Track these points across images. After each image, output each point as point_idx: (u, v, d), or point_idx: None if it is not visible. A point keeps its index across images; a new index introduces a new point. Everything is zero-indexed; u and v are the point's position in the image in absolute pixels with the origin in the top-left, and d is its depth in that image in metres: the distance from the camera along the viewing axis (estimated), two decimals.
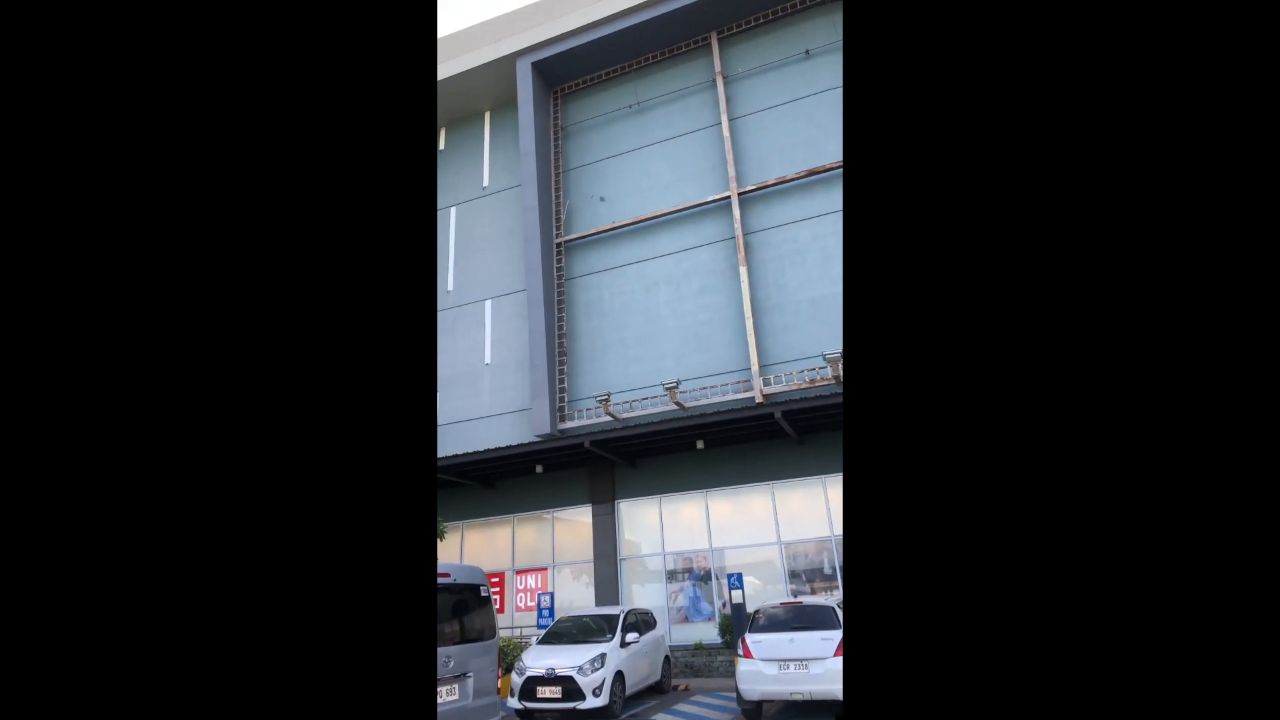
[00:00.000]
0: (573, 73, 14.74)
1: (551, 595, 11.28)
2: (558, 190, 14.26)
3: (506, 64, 14.67)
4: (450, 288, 14.82)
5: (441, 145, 16.17)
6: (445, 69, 14.96)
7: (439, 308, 14.76)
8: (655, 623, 9.27)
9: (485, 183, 15.33)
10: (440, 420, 13.96)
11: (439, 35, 15.78)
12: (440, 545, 9.73)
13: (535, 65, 14.40)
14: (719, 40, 13.76)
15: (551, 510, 12.41)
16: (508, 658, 8.87)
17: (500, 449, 11.56)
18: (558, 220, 14.03)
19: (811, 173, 12.16)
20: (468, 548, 12.74)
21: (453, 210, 15.42)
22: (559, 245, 13.84)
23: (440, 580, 5.01)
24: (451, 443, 13.33)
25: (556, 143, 14.64)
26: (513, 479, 12.77)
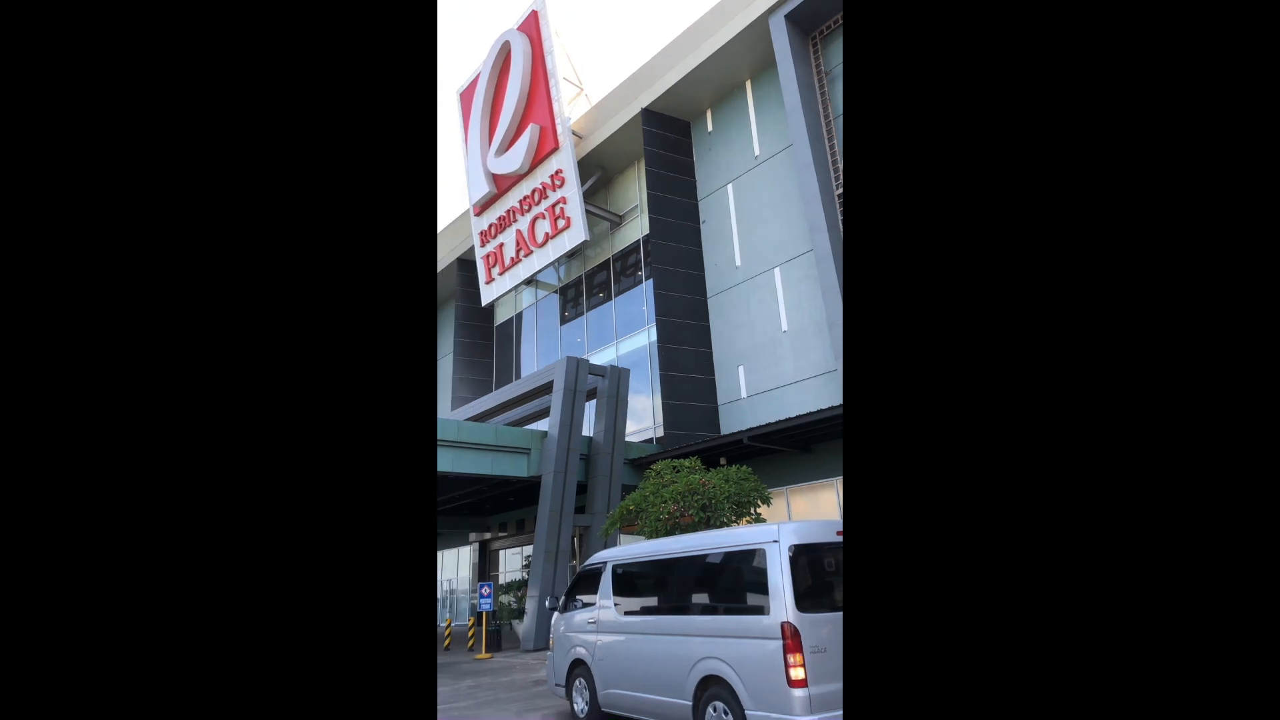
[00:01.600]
0: (829, 10, 13.84)
1: None
2: (830, 140, 13.57)
3: (759, 26, 14.41)
4: (739, 263, 15.19)
5: (709, 128, 16.62)
6: (700, 52, 15.31)
7: (729, 285, 15.26)
8: None
9: (756, 152, 15.32)
10: (747, 392, 14.46)
11: (687, 25, 16.14)
12: (765, 510, 10.08)
13: (788, 17, 13.87)
14: None
15: None
16: None
17: (809, 414, 11.51)
18: (835, 171, 13.36)
19: None
20: (794, 512, 13.00)
21: (729, 187, 15.76)
22: (840, 196, 13.19)
23: (841, 539, 4.83)
24: (762, 413, 13.71)
25: (822, 91, 13.93)
26: (828, 442, 12.62)
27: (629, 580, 5.78)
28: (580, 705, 5.96)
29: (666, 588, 5.28)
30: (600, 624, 5.81)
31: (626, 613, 5.62)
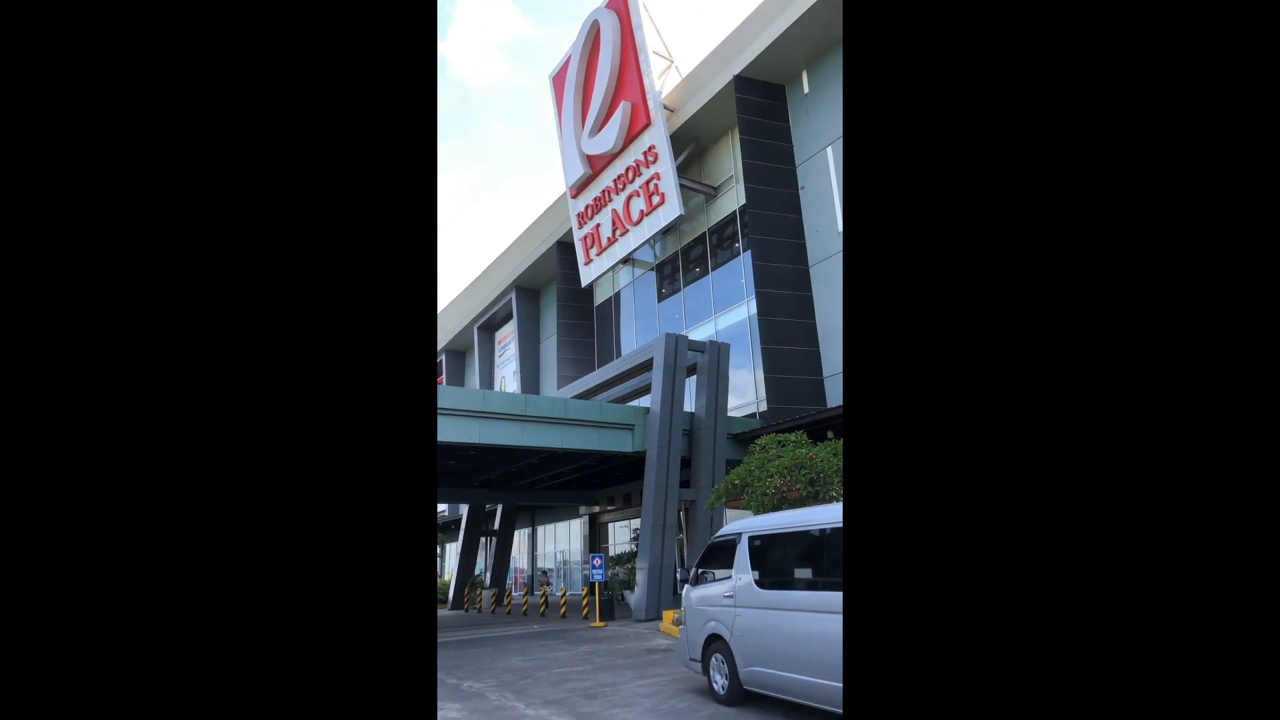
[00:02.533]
0: None
1: None
2: None
3: None
4: (841, 229, 14.65)
5: (805, 89, 15.99)
6: (794, 9, 14.68)
7: (832, 252, 14.76)
8: None
9: None
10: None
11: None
12: None
13: None
14: None
15: None
16: None
17: None
18: None
19: None
20: None
21: (829, 150, 15.15)
22: None
23: None
24: None
25: None
26: None
27: (769, 553, 5.56)
28: (720, 682, 5.78)
29: (815, 561, 4.99)
30: (738, 598, 5.66)
31: (768, 586, 5.40)
